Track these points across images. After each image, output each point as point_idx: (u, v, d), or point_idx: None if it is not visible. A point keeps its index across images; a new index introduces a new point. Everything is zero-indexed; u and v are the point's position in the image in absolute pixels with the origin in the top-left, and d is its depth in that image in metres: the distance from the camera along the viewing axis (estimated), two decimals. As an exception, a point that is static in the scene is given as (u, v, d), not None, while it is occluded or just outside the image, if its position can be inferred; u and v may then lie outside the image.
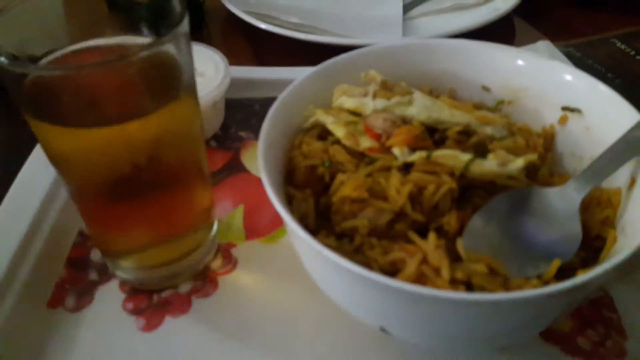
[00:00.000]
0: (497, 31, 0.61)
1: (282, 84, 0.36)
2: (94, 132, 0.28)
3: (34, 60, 0.29)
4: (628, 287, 0.35)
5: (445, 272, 0.26)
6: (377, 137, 0.32)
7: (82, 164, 0.30)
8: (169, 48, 0.27)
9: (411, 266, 0.26)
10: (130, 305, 0.36)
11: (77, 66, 0.26)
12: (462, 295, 0.23)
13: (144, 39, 0.32)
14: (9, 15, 0.28)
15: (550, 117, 0.37)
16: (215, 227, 0.38)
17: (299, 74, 0.37)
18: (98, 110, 0.28)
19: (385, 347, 0.32)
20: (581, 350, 0.32)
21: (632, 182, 0.30)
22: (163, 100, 0.28)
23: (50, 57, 0.29)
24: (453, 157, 0.30)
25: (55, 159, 0.30)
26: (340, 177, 0.31)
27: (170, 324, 0.34)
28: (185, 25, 0.28)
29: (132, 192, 0.31)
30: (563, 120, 0.36)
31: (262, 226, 0.41)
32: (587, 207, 0.32)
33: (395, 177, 0.30)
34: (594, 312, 0.34)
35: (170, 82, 0.29)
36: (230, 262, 0.38)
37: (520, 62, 0.37)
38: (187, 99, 0.30)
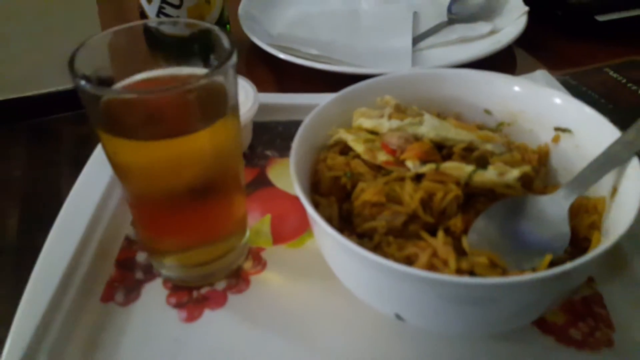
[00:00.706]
0: (500, 61, 0.66)
1: (303, 108, 0.42)
2: (155, 145, 0.33)
3: (103, 85, 0.35)
4: (616, 286, 0.39)
5: (452, 263, 0.30)
6: (393, 152, 0.37)
7: (141, 172, 0.35)
8: (220, 77, 0.33)
9: (423, 259, 0.31)
10: (173, 300, 0.40)
11: (148, 91, 0.31)
12: (465, 279, 0.28)
13: (192, 69, 0.37)
14: (87, 46, 0.34)
15: (544, 136, 0.42)
16: (247, 233, 0.43)
17: (317, 100, 0.42)
18: (159, 127, 0.34)
19: (399, 335, 0.37)
20: (573, 340, 0.36)
21: (614, 191, 0.35)
22: (212, 119, 0.34)
23: (119, 84, 0.35)
24: (458, 168, 0.35)
25: (119, 168, 0.35)
26: (361, 185, 0.36)
27: (209, 316, 0.39)
28: (234, 59, 0.33)
29: (182, 200, 0.37)
30: (556, 140, 0.41)
31: (287, 233, 0.46)
32: (576, 213, 0.36)
33: (408, 185, 0.35)
34: (585, 307, 0.38)
35: (219, 105, 0.34)
36: (260, 263, 0.43)
37: (516, 88, 0.43)
38: (231, 119, 0.36)
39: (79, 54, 0.33)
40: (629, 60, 0.67)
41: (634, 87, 0.61)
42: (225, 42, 0.35)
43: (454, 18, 0.76)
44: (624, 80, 0.62)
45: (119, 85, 0.35)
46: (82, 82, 0.31)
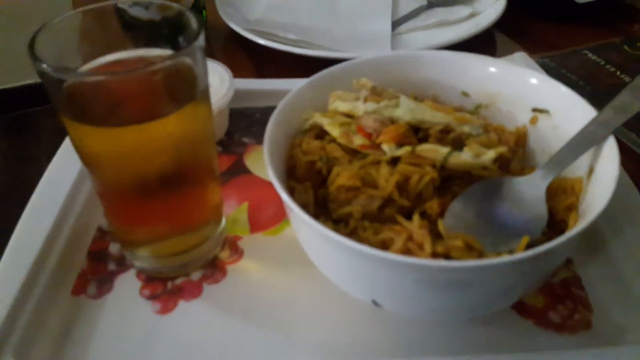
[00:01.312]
0: (479, 44, 0.66)
1: (281, 94, 0.41)
2: (121, 131, 0.32)
3: (70, 68, 0.33)
4: (593, 268, 0.39)
5: (428, 247, 0.30)
6: (368, 135, 0.37)
7: (110, 160, 0.34)
8: (188, 59, 0.31)
9: (398, 243, 0.31)
10: (146, 291, 0.39)
11: (111, 73, 0.30)
12: (440, 262, 0.27)
13: (162, 52, 0.36)
14: (49, 29, 0.32)
15: (522, 117, 0.41)
16: (223, 221, 0.42)
17: (295, 85, 0.41)
18: (125, 112, 0.33)
19: (376, 320, 0.36)
20: (552, 323, 0.36)
21: (591, 171, 0.35)
22: (181, 103, 0.33)
23: (83, 68, 0.33)
24: (434, 150, 0.34)
25: (86, 157, 0.34)
26: (337, 169, 0.35)
27: (184, 307, 0.38)
28: (201, 40, 0.32)
29: (153, 188, 0.35)
30: (533, 121, 0.41)
31: (264, 221, 0.45)
32: (553, 194, 0.36)
33: (384, 169, 0.34)
34: (564, 290, 0.38)
35: (188, 88, 0.33)
36: (237, 252, 0.42)
37: (493, 69, 0.42)
38: (202, 103, 0.34)
39: (41, 36, 0.32)
40: (607, 43, 0.67)
41: (612, 69, 0.61)
42: (194, 23, 0.33)
43: (433, 1, 0.75)
44: (603, 62, 0.62)
45: (84, 67, 0.34)
46: (44, 65, 0.30)
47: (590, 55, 0.64)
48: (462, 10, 0.72)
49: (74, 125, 0.32)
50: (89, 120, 0.32)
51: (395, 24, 0.71)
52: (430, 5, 0.74)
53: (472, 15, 0.71)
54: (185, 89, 0.33)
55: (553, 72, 0.60)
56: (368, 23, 0.71)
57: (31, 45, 0.31)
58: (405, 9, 0.74)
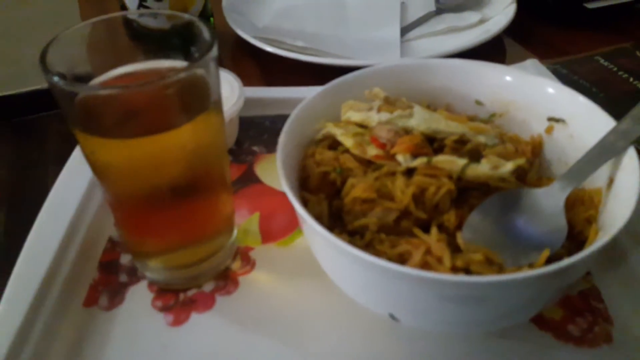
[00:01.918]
0: (489, 51, 0.65)
1: (290, 102, 0.40)
2: (134, 143, 0.31)
3: (80, 81, 0.33)
4: (613, 280, 0.38)
5: (447, 261, 0.29)
6: (382, 146, 0.36)
7: (122, 172, 0.33)
8: (201, 70, 0.31)
9: (416, 256, 0.30)
10: (159, 303, 0.39)
11: (124, 86, 0.30)
12: (461, 278, 0.27)
13: (173, 63, 0.36)
14: (60, 41, 0.32)
15: (537, 127, 0.41)
16: (235, 232, 0.42)
17: (305, 93, 0.40)
18: (138, 124, 0.32)
19: (393, 334, 0.36)
20: (572, 336, 0.35)
21: (610, 182, 0.34)
22: (194, 114, 0.32)
23: (96, 80, 0.33)
24: (451, 162, 0.34)
25: (98, 168, 0.34)
26: (351, 180, 0.35)
27: (196, 319, 0.38)
28: (214, 51, 0.32)
29: (165, 199, 0.35)
30: (549, 130, 0.40)
31: (276, 231, 0.44)
32: (572, 206, 0.35)
33: (400, 180, 0.33)
34: (583, 302, 0.37)
35: (201, 99, 0.33)
36: (249, 263, 0.42)
37: (508, 78, 0.42)
38: (215, 113, 0.34)
39: (52, 48, 0.31)
40: (619, 48, 0.66)
41: (625, 75, 0.60)
42: (206, 33, 0.33)
43: (442, 8, 0.74)
44: (615, 68, 0.62)
45: (96, 80, 0.33)
46: (55, 79, 0.29)
47: (602, 61, 0.63)
48: (471, 17, 0.72)
49: (86, 137, 0.32)
50: (100, 132, 0.32)
51: (404, 30, 0.71)
52: (439, 12, 0.74)
53: (482, 22, 0.71)
54: (198, 100, 0.33)
55: (565, 78, 0.59)
56: (377, 30, 0.70)
57: (43, 58, 0.31)
58: (414, 15, 0.74)
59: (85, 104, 0.31)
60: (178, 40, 0.37)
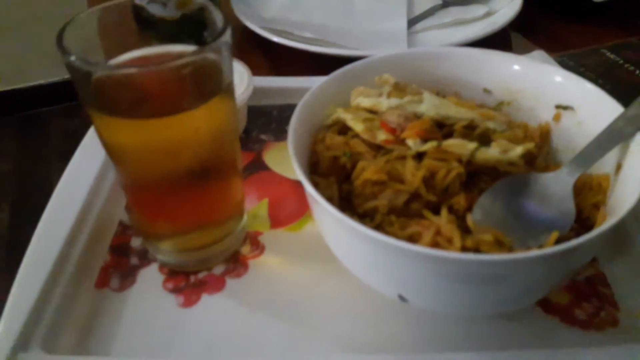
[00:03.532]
0: (495, 43, 0.66)
1: (298, 92, 0.40)
2: (149, 123, 0.32)
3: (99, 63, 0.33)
4: (619, 265, 0.39)
5: (457, 241, 0.30)
6: (393, 130, 0.37)
7: (136, 153, 0.34)
8: (215, 53, 0.31)
9: (427, 237, 0.30)
10: (169, 285, 0.39)
11: (140, 66, 0.30)
12: (471, 256, 0.27)
13: (185, 48, 0.36)
14: (75, 24, 0.32)
15: (545, 115, 0.41)
16: (244, 217, 0.42)
17: (312, 83, 0.40)
18: (152, 105, 0.33)
19: (401, 316, 0.36)
20: (578, 320, 0.36)
21: (618, 167, 0.34)
22: (207, 97, 0.33)
23: (111, 61, 0.33)
24: (461, 145, 0.34)
25: (112, 150, 0.34)
26: (362, 163, 0.35)
27: (207, 300, 0.38)
28: (227, 36, 0.32)
29: (178, 182, 0.35)
30: (557, 117, 0.41)
31: (285, 217, 0.45)
32: (579, 191, 0.36)
33: (410, 163, 0.34)
34: (589, 287, 0.38)
35: (214, 82, 0.33)
36: (258, 247, 0.42)
37: (516, 66, 0.42)
38: (227, 97, 0.35)
39: (68, 30, 0.32)
40: (625, 42, 0.66)
41: (631, 68, 0.61)
42: (219, 18, 0.34)
43: (448, 0, 0.75)
44: (621, 61, 0.62)
45: (110, 62, 0.34)
46: (73, 58, 0.30)
47: (608, 54, 0.63)
48: (477, 9, 0.72)
49: (101, 117, 0.32)
50: (115, 112, 0.32)
51: (411, 22, 0.71)
52: (445, 4, 0.74)
53: (488, 14, 0.71)
54: (212, 83, 0.33)
55: (571, 70, 0.59)
56: (384, 21, 0.70)
57: (59, 38, 0.31)
58: (420, 7, 0.74)
59: (101, 84, 0.31)
60: (189, 26, 0.37)
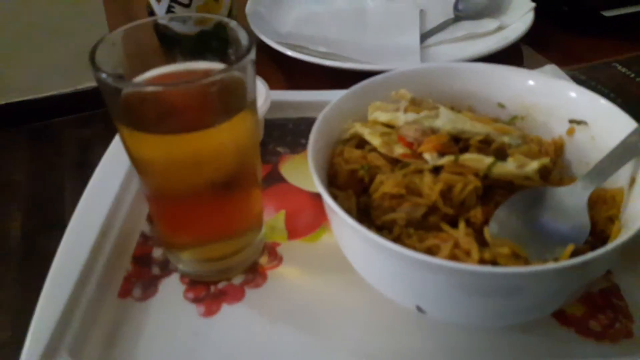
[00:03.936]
0: (507, 58, 0.66)
1: (313, 105, 0.42)
2: (175, 139, 0.33)
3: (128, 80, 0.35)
4: (633, 278, 0.39)
5: (475, 254, 0.30)
6: (410, 145, 0.37)
7: (162, 167, 0.35)
8: (241, 71, 0.33)
9: (445, 250, 0.31)
10: (190, 294, 0.40)
11: (168, 84, 0.31)
12: (490, 269, 0.28)
13: (209, 64, 0.37)
14: (106, 42, 0.34)
15: (559, 129, 0.42)
16: (263, 228, 0.43)
17: (327, 97, 0.42)
18: (178, 121, 0.34)
19: (417, 328, 0.37)
20: (593, 331, 0.36)
21: (632, 181, 0.35)
22: (232, 113, 0.34)
23: (138, 78, 0.35)
24: (477, 160, 0.35)
25: (139, 163, 0.35)
26: (380, 177, 0.36)
27: (227, 310, 0.39)
28: (252, 54, 0.33)
29: (201, 194, 0.37)
30: (570, 132, 0.41)
31: (302, 228, 0.46)
32: (594, 205, 0.36)
33: (427, 177, 0.35)
34: (604, 300, 0.38)
35: (239, 98, 0.34)
36: (276, 258, 0.43)
37: (530, 81, 0.43)
38: (250, 113, 0.36)
39: (100, 48, 0.33)
40: (636, 55, 0.67)
41: (643, 82, 0.61)
42: (243, 36, 0.35)
43: (460, 15, 0.76)
44: (633, 75, 0.63)
45: (138, 79, 0.35)
46: (104, 75, 0.31)
47: (619, 67, 0.64)
48: (489, 24, 0.73)
49: (130, 132, 0.34)
50: (144, 127, 0.33)
51: (423, 36, 0.72)
52: (457, 19, 0.75)
53: (500, 29, 0.72)
54: (236, 100, 0.34)
55: (583, 84, 0.60)
56: (397, 36, 0.72)
57: (92, 56, 0.32)
58: (432, 22, 0.75)
59: (130, 100, 0.32)
60: (212, 42, 0.38)
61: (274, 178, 0.51)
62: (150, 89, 0.32)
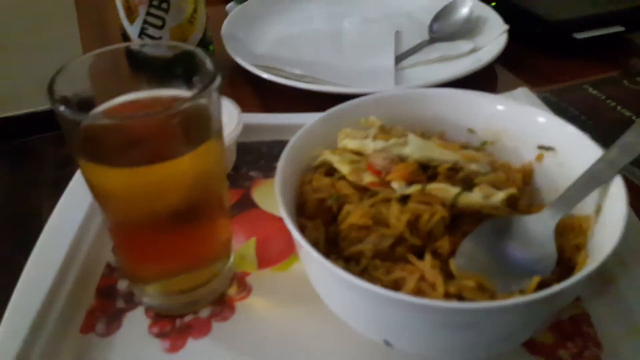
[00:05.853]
0: (481, 79, 0.67)
1: (287, 128, 0.41)
2: (137, 171, 0.32)
3: (84, 109, 0.34)
4: (602, 305, 0.39)
5: (440, 287, 0.30)
6: (378, 173, 0.37)
7: (124, 199, 0.34)
8: (204, 100, 0.32)
9: (411, 283, 0.31)
10: (155, 329, 0.39)
11: (128, 116, 0.31)
12: (454, 304, 0.28)
13: (176, 92, 0.37)
14: (66, 72, 0.33)
15: (528, 155, 0.42)
16: (232, 257, 0.42)
17: (301, 120, 0.41)
18: (140, 153, 0.33)
19: (388, 358, 0.36)
20: (563, 360, 0.36)
21: (599, 210, 0.35)
22: (196, 143, 0.33)
23: (99, 108, 0.34)
24: (444, 190, 0.35)
25: (100, 195, 0.34)
26: (347, 207, 0.35)
27: (193, 345, 0.38)
28: (217, 82, 0.33)
29: (165, 225, 0.36)
30: (539, 158, 0.41)
31: (273, 256, 0.45)
32: (561, 232, 0.36)
33: (395, 207, 0.34)
34: (573, 327, 0.38)
35: (203, 128, 0.34)
36: (245, 289, 0.42)
37: (500, 107, 0.43)
38: (215, 143, 0.35)
39: (59, 77, 0.32)
40: (607, 77, 0.68)
41: (613, 104, 0.62)
42: (209, 64, 0.34)
43: (435, 37, 0.77)
44: (603, 97, 0.63)
45: (100, 108, 0.34)
46: (61, 108, 0.30)
47: (590, 89, 0.65)
48: (463, 46, 0.73)
49: (89, 165, 0.33)
50: (103, 160, 0.33)
51: (399, 58, 0.72)
52: (432, 41, 0.76)
53: (474, 51, 0.73)
54: (200, 129, 0.34)
55: (555, 106, 0.61)
56: (372, 58, 0.72)
57: (50, 87, 0.32)
58: (408, 44, 0.76)
59: (90, 132, 0.32)
60: (179, 70, 0.38)
61: (246, 204, 0.50)
62: (108, 121, 0.31)
